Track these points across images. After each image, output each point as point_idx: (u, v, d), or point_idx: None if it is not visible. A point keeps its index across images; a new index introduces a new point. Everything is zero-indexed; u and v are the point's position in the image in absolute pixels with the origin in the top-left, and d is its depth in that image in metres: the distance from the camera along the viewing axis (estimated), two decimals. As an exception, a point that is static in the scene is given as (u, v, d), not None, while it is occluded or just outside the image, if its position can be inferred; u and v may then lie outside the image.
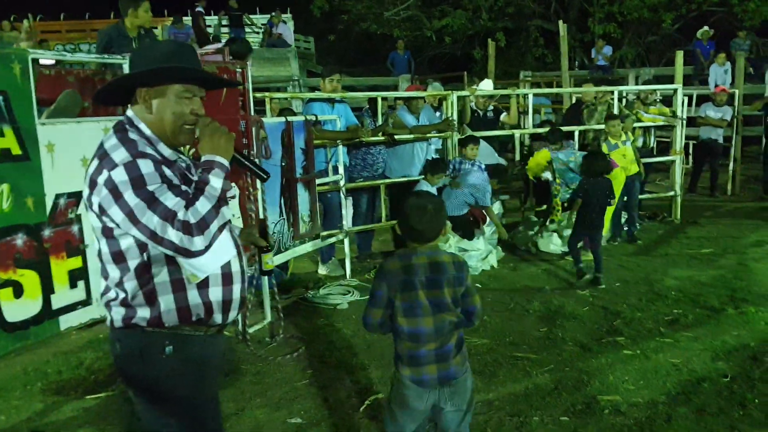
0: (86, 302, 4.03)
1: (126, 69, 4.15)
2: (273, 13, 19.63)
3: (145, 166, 2.13)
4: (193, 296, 2.27)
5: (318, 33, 23.15)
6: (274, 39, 19.01)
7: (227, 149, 2.28)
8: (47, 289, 3.81)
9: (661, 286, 6.40)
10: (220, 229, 2.17)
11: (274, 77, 17.43)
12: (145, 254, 2.19)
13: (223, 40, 12.04)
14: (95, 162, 2.20)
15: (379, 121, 7.63)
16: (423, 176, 7.43)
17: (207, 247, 2.12)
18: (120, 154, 2.16)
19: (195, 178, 2.25)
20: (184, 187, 2.18)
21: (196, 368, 2.36)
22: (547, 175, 7.94)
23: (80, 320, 4.01)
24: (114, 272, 2.25)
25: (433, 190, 7.23)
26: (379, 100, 7.68)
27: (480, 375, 4.52)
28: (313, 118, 6.66)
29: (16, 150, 3.62)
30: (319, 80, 7.37)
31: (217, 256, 2.27)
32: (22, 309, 3.67)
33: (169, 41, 2.61)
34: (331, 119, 7.07)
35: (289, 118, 6.30)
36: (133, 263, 2.20)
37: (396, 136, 7.51)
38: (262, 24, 20.57)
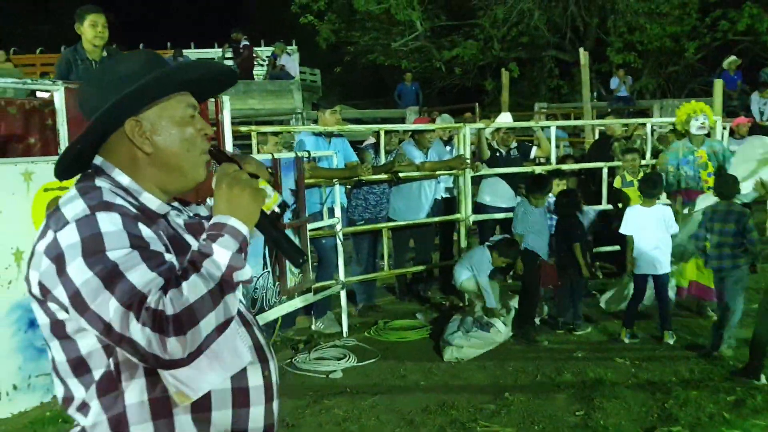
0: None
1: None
2: (276, 44, 18.92)
3: (109, 223, 1.36)
4: (184, 424, 1.43)
5: (325, 65, 22.45)
6: (277, 71, 18.32)
7: (251, 211, 1.46)
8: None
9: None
10: (220, 329, 1.34)
11: (276, 110, 16.85)
12: (111, 359, 1.40)
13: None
14: (42, 225, 1.43)
15: (383, 157, 6.76)
16: (525, 197, 6.31)
17: (192, 355, 1.30)
18: (75, 208, 1.39)
19: (194, 245, 1.43)
20: (169, 256, 1.40)
21: None
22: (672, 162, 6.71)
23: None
24: (77, 390, 1.43)
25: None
26: (382, 134, 6.79)
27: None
28: (306, 155, 5.83)
29: None
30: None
31: (217, 366, 1.45)
32: None
33: (124, 54, 1.67)
34: (327, 155, 6.22)
35: (277, 155, 5.48)
36: (98, 373, 1.41)
37: (401, 174, 6.63)
38: (267, 56, 19.90)
